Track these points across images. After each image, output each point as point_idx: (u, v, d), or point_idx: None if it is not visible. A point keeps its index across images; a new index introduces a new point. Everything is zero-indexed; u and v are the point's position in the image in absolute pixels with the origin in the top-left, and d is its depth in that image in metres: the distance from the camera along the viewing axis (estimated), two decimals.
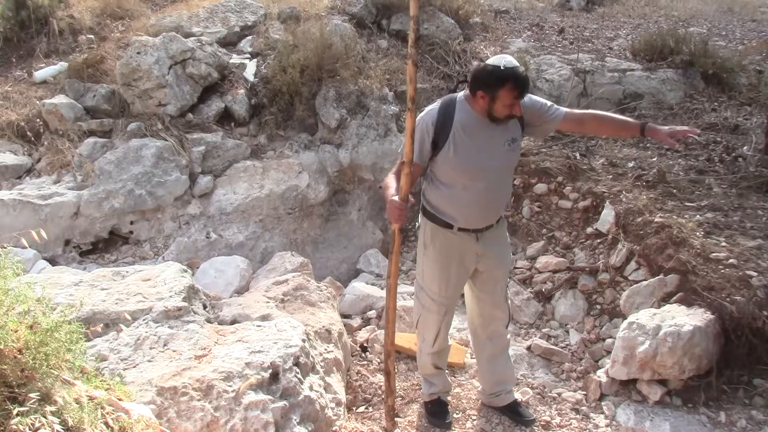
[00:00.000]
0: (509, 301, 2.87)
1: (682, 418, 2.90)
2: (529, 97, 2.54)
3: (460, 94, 2.51)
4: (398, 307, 3.70)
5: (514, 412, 2.92)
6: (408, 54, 2.28)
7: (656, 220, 3.64)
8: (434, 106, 2.50)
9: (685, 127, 2.54)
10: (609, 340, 3.45)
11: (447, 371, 3.06)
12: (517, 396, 3.11)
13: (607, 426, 2.94)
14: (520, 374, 3.35)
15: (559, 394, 3.18)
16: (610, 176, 4.35)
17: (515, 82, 2.28)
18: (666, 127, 2.53)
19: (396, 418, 2.84)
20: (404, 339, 3.41)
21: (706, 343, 2.95)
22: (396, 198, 2.36)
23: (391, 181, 2.48)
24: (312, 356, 2.64)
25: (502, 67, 2.30)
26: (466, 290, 2.84)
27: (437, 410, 2.90)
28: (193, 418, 2.09)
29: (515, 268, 4.25)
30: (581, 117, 2.63)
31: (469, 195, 2.48)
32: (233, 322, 2.81)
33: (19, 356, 1.56)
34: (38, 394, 1.52)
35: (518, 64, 2.34)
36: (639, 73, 6.00)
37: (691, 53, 6.11)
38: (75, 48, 5.61)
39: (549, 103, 2.59)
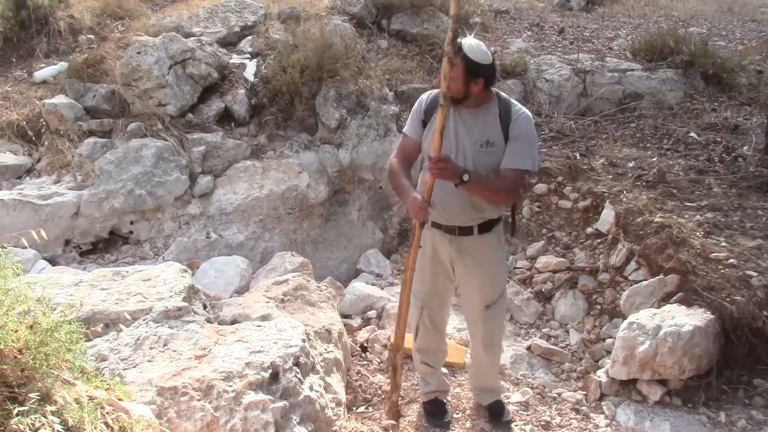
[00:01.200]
0: (489, 323, 2.67)
1: (682, 418, 2.90)
2: (522, 126, 2.42)
3: None
4: None
5: (492, 413, 2.93)
6: (444, 51, 2.30)
7: (656, 220, 3.64)
8: (435, 90, 2.56)
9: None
10: (609, 340, 3.45)
11: (447, 372, 3.06)
12: (517, 396, 3.12)
13: (607, 426, 2.94)
14: (520, 374, 3.35)
15: (559, 394, 3.18)
16: (610, 176, 4.35)
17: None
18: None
19: (398, 416, 2.84)
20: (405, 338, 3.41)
21: (706, 343, 2.95)
22: (418, 196, 2.37)
23: (397, 168, 2.55)
24: (312, 356, 2.64)
25: None
26: None
27: (435, 410, 2.91)
28: (193, 418, 2.09)
29: (515, 268, 4.25)
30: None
31: (435, 184, 2.45)
32: (233, 322, 2.81)
33: (19, 356, 1.56)
34: (38, 394, 1.52)
35: (450, 45, 2.30)
36: (639, 73, 6.01)
37: (691, 53, 6.12)
38: (75, 48, 5.61)
39: (521, 151, 2.41)
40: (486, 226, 2.57)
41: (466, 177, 2.31)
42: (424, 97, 2.61)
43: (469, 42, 2.36)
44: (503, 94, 2.52)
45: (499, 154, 2.43)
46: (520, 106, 2.50)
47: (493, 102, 2.47)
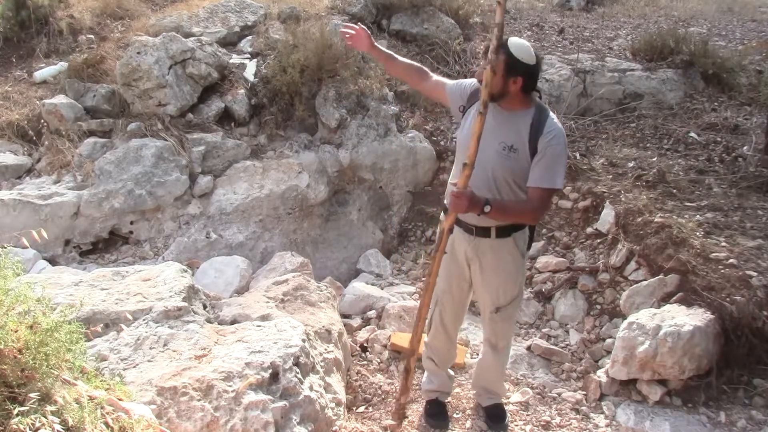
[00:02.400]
0: (497, 326, 2.70)
1: (682, 418, 2.90)
2: (553, 142, 2.34)
3: None
4: (399, 307, 3.73)
5: (489, 416, 2.92)
6: (487, 59, 2.27)
7: (656, 220, 3.64)
8: (474, 81, 2.56)
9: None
10: (609, 340, 3.45)
11: (452, 374, 3.05)
12: (517, 396, 3.12)
13: (607, 426, 2.94)
14: (520, 374, 3.35)
15: (559, 394, 3.18)
16: (610, 176, 4.35)
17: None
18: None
19: (404, 418, 2.84)
20: (404, 339, 3.41)
21: (706, 343, 2.95)
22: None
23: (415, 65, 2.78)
24: (312, 356, 2.64)
25: None
26: None
27: (435, 411, 2.91)
28: (193, 418, 2.09)
29: None
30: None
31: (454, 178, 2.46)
32: (233, 322, 2.81)
33: (19, 356, 1.56)
34: (38, 394, 1.52)
35: (513, 41, 2.33)
36: (639, 73, 6.00)
37: (691, 53, 6.11)
38: (75, 48, 5.61)
39: (550, 168, 2.35)
40: (504, 231, 2.52)
41: (487, 209, 2.28)
42: (468, 82, 2.60)
43: (516, 40, 2.35)
44: (544, 106, 2.45)
45: (521, 162, 2.38)
46: (556, 121, 2.39)
47: (530, 110, 2.40)
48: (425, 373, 3.01)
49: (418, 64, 2.86)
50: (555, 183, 2.36)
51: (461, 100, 2.60)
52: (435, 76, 2.79)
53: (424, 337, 2.90)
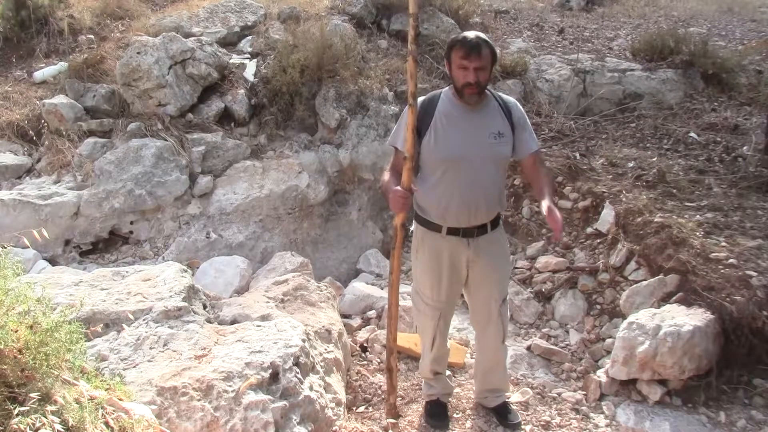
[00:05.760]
0: (504, 318, 2.74)
1: (682, 418, 2.90)
2: (520, 112, 2.56)
3: (446, 88, 2.55)
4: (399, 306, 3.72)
5: (500, 415, 2.91)
6: (408, 50, 2.30)
7: (656, 220, 3.64)
8: (419, 98, 2.54)
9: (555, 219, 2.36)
10: (609, 340, 3.45)
11: (450, 373, 3.05)
12: (517, 396, 3.11)
13: (607, 426, 2.93)
14: (520, 374, 3.35)
15: (559, 394, 3.18)
16: (610, 176, 4.35)
17: (461, 43, 2.37)
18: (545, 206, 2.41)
19: (397, 417, 2.84)
20: (404, 339, 3.41)
21: (706, 343, 2.95)
22: (398, 188, 2.37)
23: (388, 178, 2.53)
24: (312, 356, 2.64)
25: (456, 37, 2.44)
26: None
27: (435, 411, 2.90)
28: (193, 418, 2.09)
29: (515, 268, 4.25)
30: (534, 167, 2.59)
31: (453, 186, 2.45)
32: (233, 322, 2.81)
33: (19, 356, 1.56)
34: (38, 394, 1.52)
35: (475, 37, 2.37)
36: (639, 73, 6.01)
37: (691, 53, 6.12)
38: (75, 48, 5.61)
39: (531, 134, 2.59)
40: (496, 221, 2.62)
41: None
42: (423, 100, 2.54)
43: (469, 34, 2.42)
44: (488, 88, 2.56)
45: (508, 144, 2.49)
46: (502, 93, 2.63)
47: (489, 96, 2.51)
48: (425, 382, 2.98)
49: (394, 177, 2.51)
50: (538, 142, 2.65)
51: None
52: (391, 167, 2.59)
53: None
